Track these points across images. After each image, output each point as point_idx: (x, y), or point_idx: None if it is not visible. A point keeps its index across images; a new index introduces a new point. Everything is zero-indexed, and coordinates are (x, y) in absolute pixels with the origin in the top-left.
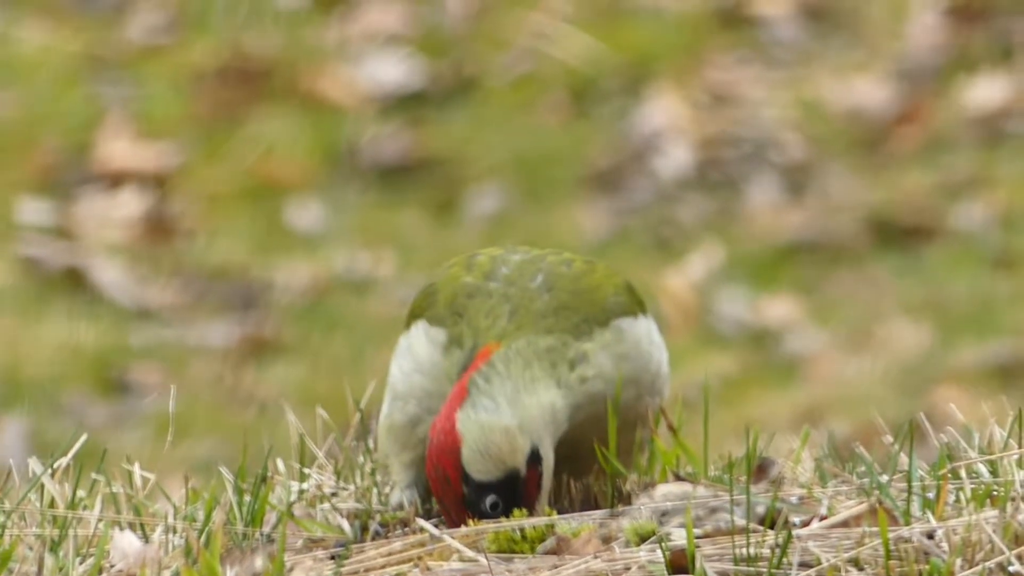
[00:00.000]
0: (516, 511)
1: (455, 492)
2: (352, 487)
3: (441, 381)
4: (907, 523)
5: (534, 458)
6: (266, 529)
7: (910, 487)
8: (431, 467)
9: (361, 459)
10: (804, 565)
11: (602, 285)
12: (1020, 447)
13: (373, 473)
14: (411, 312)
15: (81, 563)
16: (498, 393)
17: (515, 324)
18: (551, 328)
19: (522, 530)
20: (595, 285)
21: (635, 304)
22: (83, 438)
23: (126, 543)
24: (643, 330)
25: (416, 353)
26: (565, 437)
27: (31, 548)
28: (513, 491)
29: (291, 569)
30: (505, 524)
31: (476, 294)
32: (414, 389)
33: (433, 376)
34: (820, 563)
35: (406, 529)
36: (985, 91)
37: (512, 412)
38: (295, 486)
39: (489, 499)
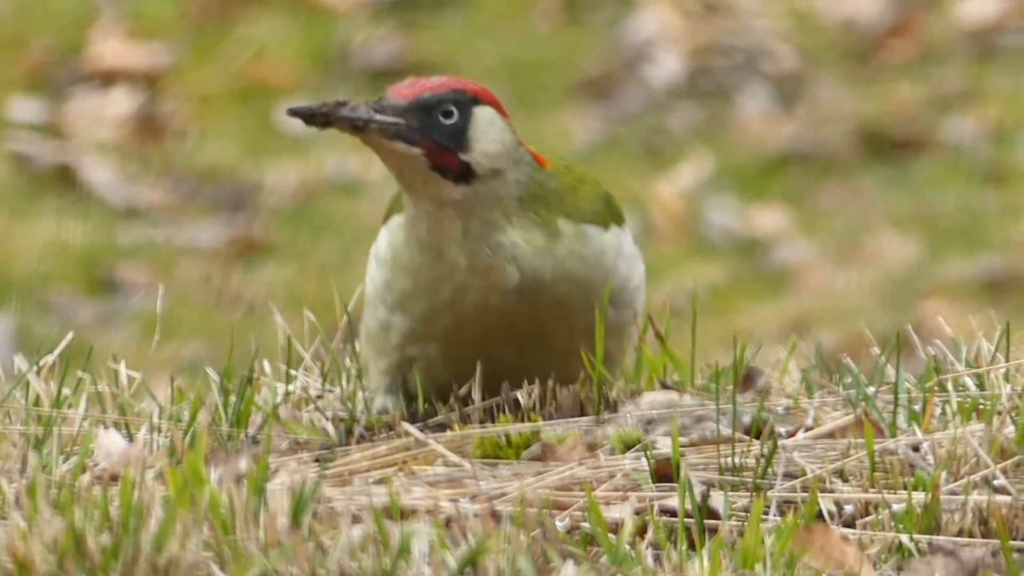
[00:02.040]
0: (503, 417)
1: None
2: (338, 390)
3: (397, 269)
4: (893, 435)
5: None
6: (251, 430)
7: (896, 399)
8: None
9: (347, 362)
10: (789, 475)
11: (578, 190)
12: (1007, 361)
13: (359, 376)
14: (383, 221)
15: (65, 461)
16: None
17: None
18: (524, 209)
19: (507, 436)
20: (571, 187)
21: (610, 215)
22: (69, 336)
23: (110, 442)
24: (611, 241)
25: (378, 251)
26: (530, 318)
27: (15, 445)
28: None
29: (275, 471)
30: (491, 430)
31: None
32: (378, 290)
33: (390, 265)
34: (805, 474)
35: (391, 433)
36: (978, 4)
37: None
38: (281, 388)
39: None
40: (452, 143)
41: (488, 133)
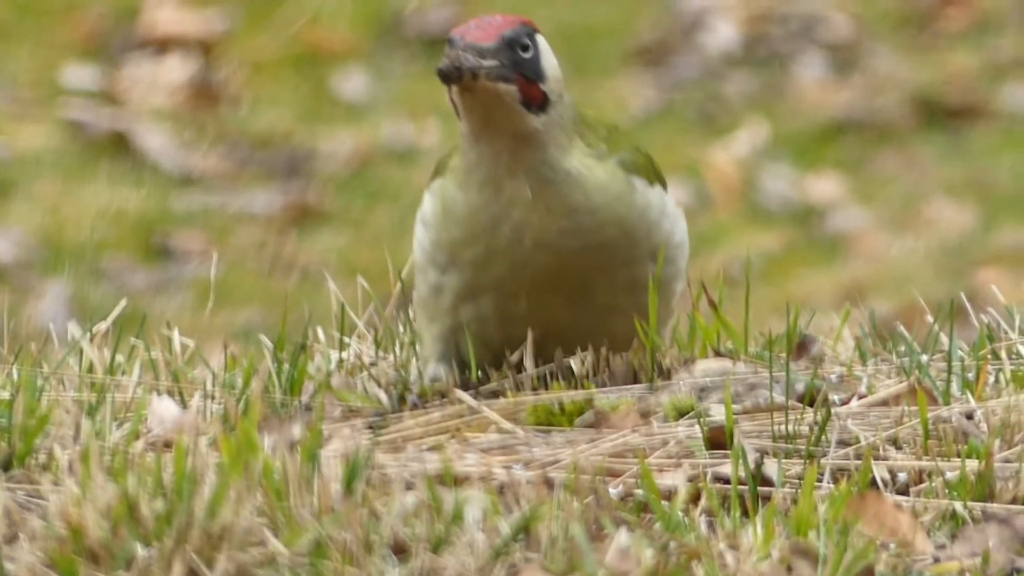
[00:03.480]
0: (556, 384)
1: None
2: (391, 358)
3: (450, 221)
4: (946, 403)
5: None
6: (304, 398)
7: (950, 367)
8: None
9: (400, 329)
10: (842, 443)
11: (622, 140)
12: None
13: (412, 344)
14: (426, 189)
15: (118, 428)
16: None
17: None
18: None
19: (561, 403)
20: (620, 135)
21: (652, 173)
22: (123, 303)
23: (164, 409)
24: (655, 198)
25: (423, 213)
26: (569, 271)
27: (68, 412)
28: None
29: (329, 438)
30: (544, 397)
31: None
32: (428, 252)
33: (440, 220)
34: (859, 442)
35: (444, 400)
36: None
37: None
38: (334, 355)
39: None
40: (535, 75)
41: (550, 60)
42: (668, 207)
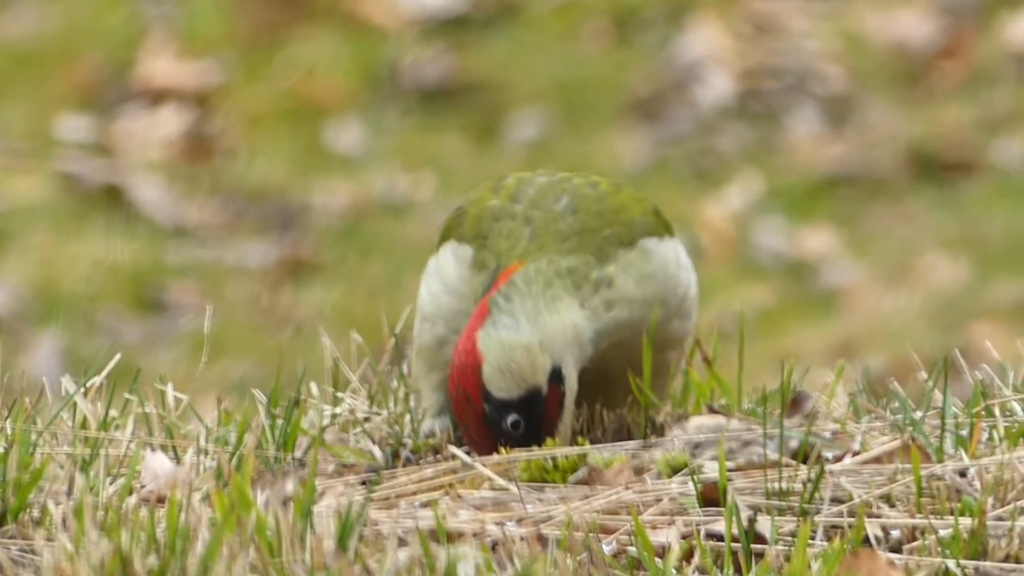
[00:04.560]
0: (547, 440)
1: (476, 410)
2: (385, 412)
3: (468, 300)
4: (940, 460)
5: (555, 377)
6: (298, 453)
7: (943, 424)
8: (453, 386)
9: (395, 384)
10: (836, 500)
11: (628, 206)
12: None
13: (406, 399)
14: (441, 235)
15: (112, 483)
16: (519, 311)
17: (537, 245)
18: (573, 249)
19: (554, 459)
20: (621, 206)
21: (661, 226)
22: (117, 357)
23: (157, 464)
24: (670, 251)
25: (444, 273)
26: (593, 365)
27: (62, 467)
28: (534, 410)
29: (322, 494)
30: (537, 453)
31: (501, 216)
32: (441, 310)
33: (460, 295)
34: (852, 499)
35: (437, 456)
36: None
37: (533, 330)
38: (328, 410)
39: (510, 417)
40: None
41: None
42: (682, 258)
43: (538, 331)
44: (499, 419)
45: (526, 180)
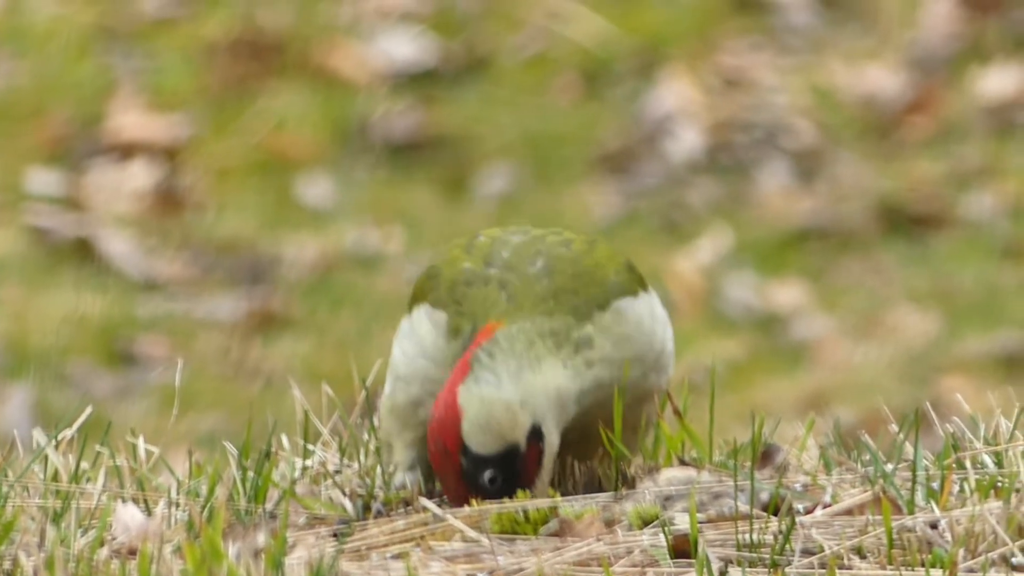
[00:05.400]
0: (520, 492)
1: (454, 465)
2: (356, 465)
3: (443, 366)
4: (911, 512)
5: (535, 435)
6: (269, 506)
7: (914, 476)
8: (432, 440)
9: (365, 437)
10: (807, 552)
11: (601, 265)
12: None
13: (377, 451)
14: (414, 295)
15: (83, 535)
16: (501, 368)
17: (515, 306)
18: (552, 310)
19: (525, 511)
20: (595, 264)
21: (635, 282)
22: (88, 410)
23: (128, 516)
24: (644, 308)
25: (419, 336)
26: (573, 423)
27: (33, 519)
28: (512, 466)
29: (293, 546)
30: (508, 505)
31: (474, 281)
32: (417, 372)
33: (436, 360)
34: (823, 551)
35: (408, 508)
36: (997, 81)
37: (514, 387)
38: (299, 463)
39: (487, 473)
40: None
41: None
42: (657, 312)
43: (519, 389)
44: (476, 474)
45: (500, 240)
